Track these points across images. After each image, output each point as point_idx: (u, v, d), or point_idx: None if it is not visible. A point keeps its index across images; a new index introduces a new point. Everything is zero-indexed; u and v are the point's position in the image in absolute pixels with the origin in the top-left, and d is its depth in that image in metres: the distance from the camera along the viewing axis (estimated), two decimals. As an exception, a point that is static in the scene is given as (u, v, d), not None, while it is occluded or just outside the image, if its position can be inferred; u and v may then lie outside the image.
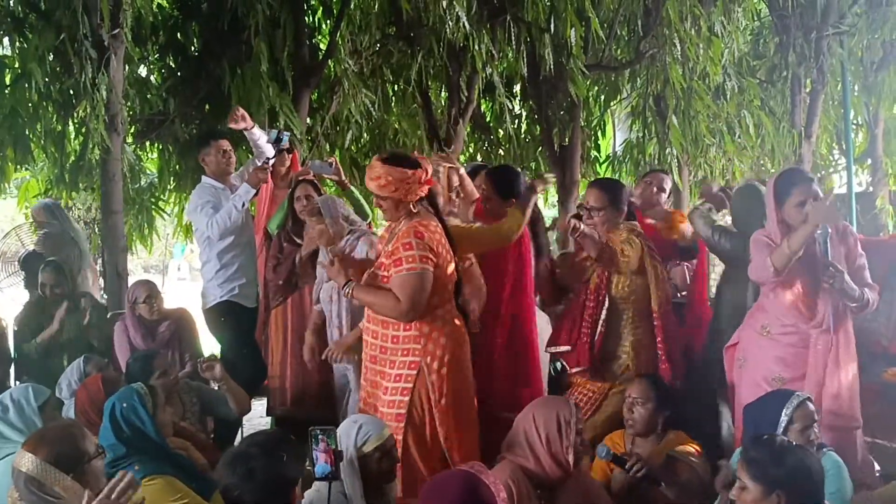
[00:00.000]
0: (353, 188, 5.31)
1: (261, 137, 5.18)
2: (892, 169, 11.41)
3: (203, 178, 5.19)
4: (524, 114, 9.46)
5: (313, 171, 5.16)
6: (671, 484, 3.40)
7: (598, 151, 10.12)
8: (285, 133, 5.21)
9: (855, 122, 11.14)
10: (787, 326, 3.65)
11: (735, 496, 2.66)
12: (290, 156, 5.58)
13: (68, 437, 2.61)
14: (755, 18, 9.16)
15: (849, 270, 3.54)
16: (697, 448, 3.60)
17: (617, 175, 9.09)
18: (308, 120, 7.50)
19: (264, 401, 5.37)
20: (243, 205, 4.85)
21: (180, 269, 21.86)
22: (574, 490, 3.15)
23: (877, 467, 4.16)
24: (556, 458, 3.05)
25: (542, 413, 3.13)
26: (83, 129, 6.14)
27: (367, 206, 5.17)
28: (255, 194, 5.00)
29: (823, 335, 3.56)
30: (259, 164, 5.09)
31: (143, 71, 7.60)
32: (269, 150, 5.16)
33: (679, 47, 7.24)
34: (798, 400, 3.16)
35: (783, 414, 3.13)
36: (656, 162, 7.63)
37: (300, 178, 5.05)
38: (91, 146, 5.80)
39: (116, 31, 5.77)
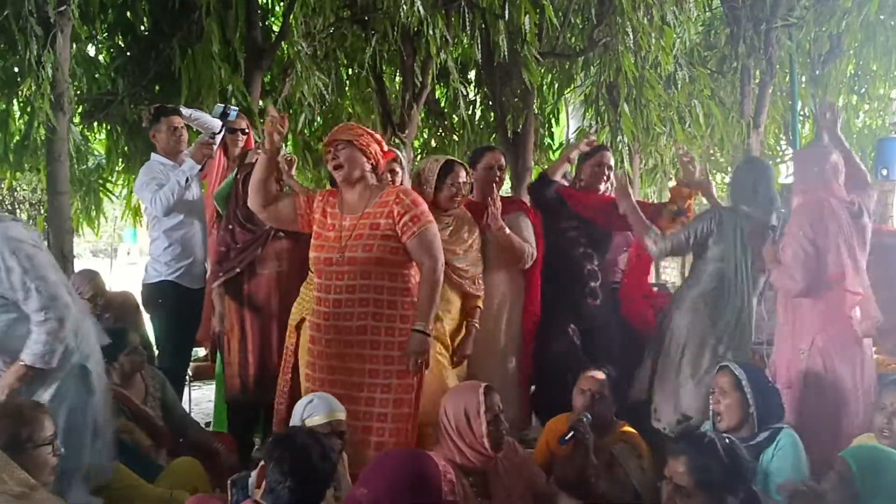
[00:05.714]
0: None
1: (201, 116, 5.12)
2: (837, 160, 11.65)
3: (153, 155, 5.09)
4: (478, 100, 9.48)
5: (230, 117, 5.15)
6: (604, 479, 3.38)
7: (552, 139, 10.16)
8: (232, 108, 5.11)
9: (802, 113, 11.34)
10: None
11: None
12: (245, 137, 5.53)
13: (16, 416, 2.57)
14: (707, 9, 9.24)
15: None
16: (644, 447, 3.56)
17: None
18: (260, 102, 7.42)
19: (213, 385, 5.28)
20: (187, 181, 4.72)
21: (130, 253, 21.45)
22: (505, 471, 3.15)
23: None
24: (473, 448, 3.02)
25: (451, 406, 3.10)
26: (28, 109, 6.01)
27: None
28: (201, 170, 4.92)
29: None
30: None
31: (91, 50, 7.45)
32: (215, 125, 5.09)
33: (632, 36, 7.28)
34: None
35: None
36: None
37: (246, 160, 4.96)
38: (36, 125, 5.69)
39: (63, 7, 5.62)
